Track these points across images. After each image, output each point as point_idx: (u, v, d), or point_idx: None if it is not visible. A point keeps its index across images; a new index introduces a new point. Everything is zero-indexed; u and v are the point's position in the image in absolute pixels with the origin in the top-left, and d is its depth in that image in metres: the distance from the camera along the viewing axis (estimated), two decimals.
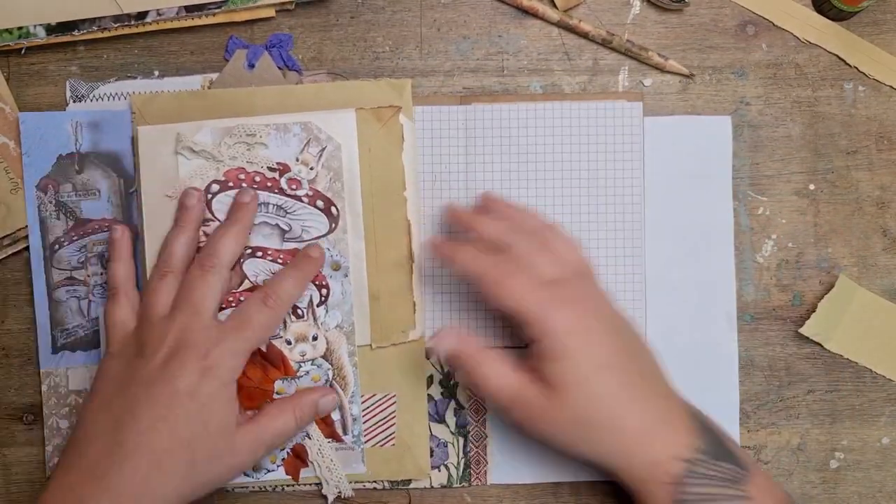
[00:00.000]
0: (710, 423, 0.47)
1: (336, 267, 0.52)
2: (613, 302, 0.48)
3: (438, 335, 0.47)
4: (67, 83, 0.54)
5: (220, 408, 0.46)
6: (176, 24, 0.53)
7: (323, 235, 0.52)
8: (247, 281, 0.51)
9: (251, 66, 0.53)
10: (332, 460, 0.52)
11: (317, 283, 0.51)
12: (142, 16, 0.53)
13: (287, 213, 0.52)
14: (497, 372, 0.46)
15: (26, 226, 0.53)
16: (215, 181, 0.51)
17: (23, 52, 0.53)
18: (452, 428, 0.54)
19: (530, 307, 0.45)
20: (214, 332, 0.47)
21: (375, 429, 0.53)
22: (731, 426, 0.54)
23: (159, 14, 0.53)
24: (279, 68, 0.53)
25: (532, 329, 0.45)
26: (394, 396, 0.53)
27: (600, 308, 0.47)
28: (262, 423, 0.48)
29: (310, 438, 0.52)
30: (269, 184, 0.51)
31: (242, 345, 0.47)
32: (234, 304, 0.51)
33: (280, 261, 0.51)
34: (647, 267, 0.54)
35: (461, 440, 0.54)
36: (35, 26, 0.52)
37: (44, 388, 0.53)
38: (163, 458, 0.43)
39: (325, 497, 0.53)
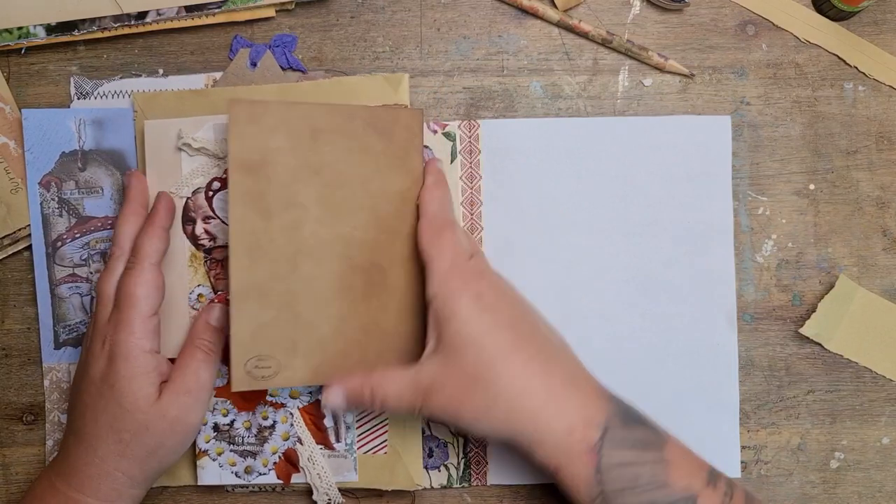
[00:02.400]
0: (615, 394, 0.46)
1: None
2: (512, 285, 0.49)
3: (325, 392, 0.47)
4: (72, 80, 0.54)
5: (131, 383, 0.47)
6: (176, 24, 0.53)
7: None
8: None
9: (253, 64, 0.53)
10: (322, 467, 0.52)
11: None
12: (142, 16, 0.53)
13: None
14: (391, 379, 0.46)
15: (27, 225, 0.53)
16: (216, 178, 0.51)
17: (23, 52, 0.54)
18: (452, 428, 0.54)
19: (435, 262, 0.46)
20: (109, 317, 0.48)
21: (368, 435, 0.52)
22: (731, 426, 0.54)
23: (159, 14, 0.53)
24: (283, 69, 0.53)
25: (430, 286, 0.46)
26: None
27: (500, 284, 0.48)
28: (176, 377, 0.48)
29: (301, 444, 0.52)
30: None
31: (128, 314, 0.47)
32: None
33: None
34: (646, 267, 0.54)
35: (461, 440, 0.54)
36: (35, 26, 0.52)
37: (46, 383, 0.53)
38: (95, 443, 0.47)
39: (315, 503, 0.52)
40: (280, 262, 0.47)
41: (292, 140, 0.47)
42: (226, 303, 0.50)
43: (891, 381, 0.55)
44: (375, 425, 0.52)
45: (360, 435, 0.52)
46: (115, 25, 0.53)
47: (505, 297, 0.47)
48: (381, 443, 0.52)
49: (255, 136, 0.46)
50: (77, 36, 0.53)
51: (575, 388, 0.45)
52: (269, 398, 0.51)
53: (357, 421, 0.52)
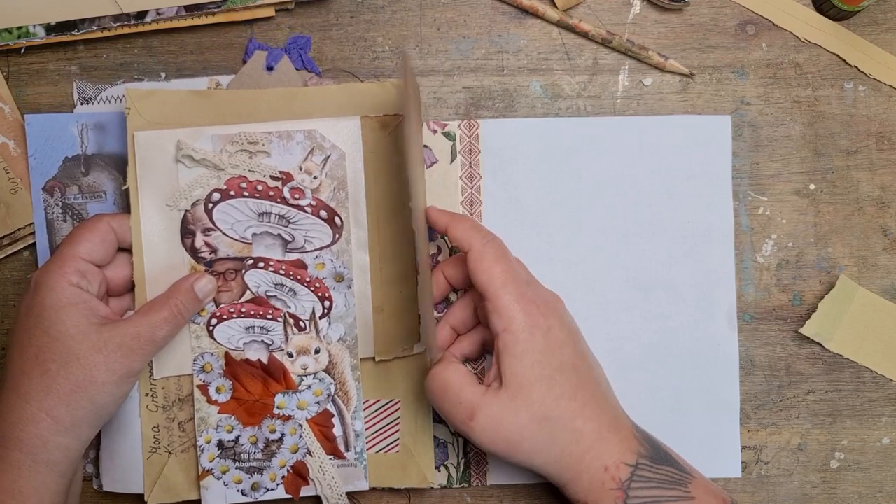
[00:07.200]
0: (648, 433, 0.49)
1: (339, 278, 0.51)
2: (563, 306, 0.50)
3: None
4: (75, 84, 0.53)
5: (58, 313, 0.45)
6: (175, 24, 0.53)
7: (326, 246, 0.51)
8: (248, 292, 0.51)
9: (269, 68, 0.53)
10: (333, 477, 0.51)
11: (319, 294, 0.51)
12: (141, 15, 0.52)
13: (289, 222, 0.51)
14: (459, 384, 0.47)
15: (26, 225, 0.53)
16: (216, 190, 0.50)
17: (22, 51, 0.53)
18: (452, 428, 0.54)
19: (501, 295, 0.46)
20: None
21: (379, 435, 0.52)
22: (731, 426, 0.54)
23: (159, 14, 0.53)
24: (297, 69, 0.53)
25: (499, 319, 0.46)
26: (398, 403, 0.52)
27: (564, 315, 0.49)
28: (131, 319, 0.46)
29: (311, 455, 0.51)
30: (271, 193, 0.51)
31: (60, 250, 0.47)
32: (235, 316, 0.50)
33: (282, 272, 0.51)
34: (646, 267, 0.54)
35: (461, 440, 0.54)
36: (35, 26, 0.52)
37: None
38: (18, 381, 0.44)
39: None
40: None
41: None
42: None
43: (891, 381, 0.55)
44: (387, 424, 0.52)
45: (371, 435, 0.52)
46: (115, 25, 0.53)
47: (570, 332, 0.48)
48: (394, 441, 0.52)
49: None
50: (77, 35, 0.53)
51: (616, 430, 0.47)
52: (276, 411, 0.51)
53: (367, 420, 0.52)
